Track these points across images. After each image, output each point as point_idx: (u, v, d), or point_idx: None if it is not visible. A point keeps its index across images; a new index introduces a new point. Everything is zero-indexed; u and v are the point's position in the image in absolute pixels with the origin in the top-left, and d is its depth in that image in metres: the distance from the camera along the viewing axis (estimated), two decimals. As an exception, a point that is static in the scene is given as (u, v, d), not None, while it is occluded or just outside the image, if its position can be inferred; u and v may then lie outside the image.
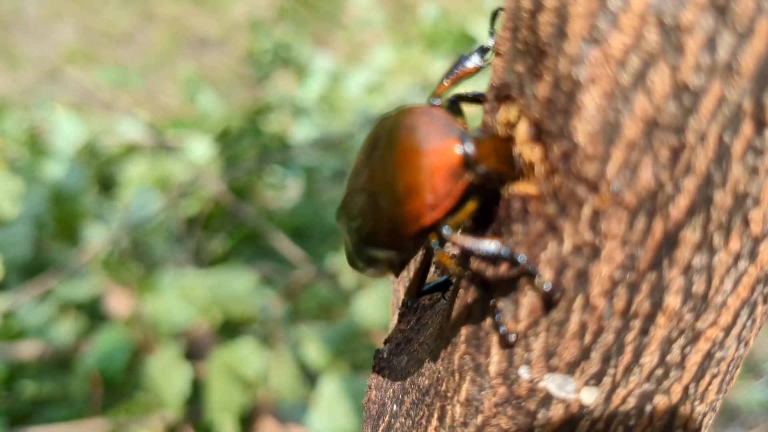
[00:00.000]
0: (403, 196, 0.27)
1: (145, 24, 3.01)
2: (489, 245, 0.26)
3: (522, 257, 0.26)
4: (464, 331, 0.30)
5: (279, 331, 1.68)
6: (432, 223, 0.27)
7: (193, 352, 1.70)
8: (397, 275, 0.32)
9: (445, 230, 0.27)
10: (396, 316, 0.47)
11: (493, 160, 0.26)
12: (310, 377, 1.68)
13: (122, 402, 1.77)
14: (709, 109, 0.22)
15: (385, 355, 0.40)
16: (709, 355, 0.27)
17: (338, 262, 1.75)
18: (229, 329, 1.76)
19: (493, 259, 0.26)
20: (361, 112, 2.58)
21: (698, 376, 0.28)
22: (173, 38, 3.02)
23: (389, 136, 0.27)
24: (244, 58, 2.99)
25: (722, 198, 0.24)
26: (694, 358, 0.27)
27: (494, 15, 0.30)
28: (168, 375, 1.59)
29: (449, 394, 0.32)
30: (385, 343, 0.41)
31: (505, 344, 0.28)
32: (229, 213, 2.23)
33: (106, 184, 2.49)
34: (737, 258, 0.25)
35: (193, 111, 2.77)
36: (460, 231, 0.28)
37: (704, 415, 0.29)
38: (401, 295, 0.47)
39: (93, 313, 1.88)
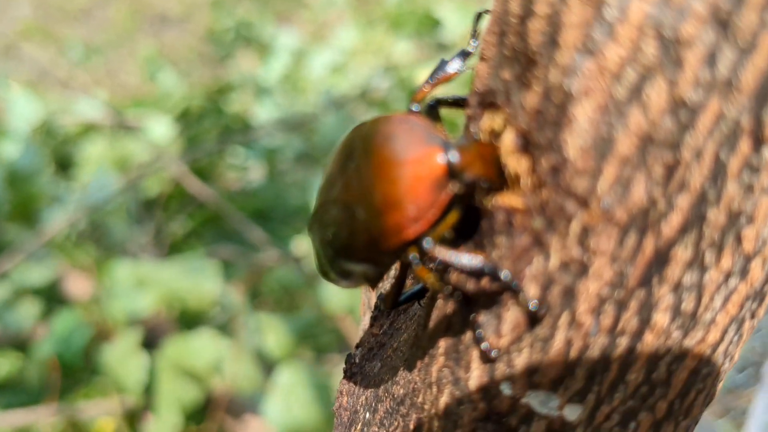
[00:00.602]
0: (382, 209, 0.25)
1: (103, 0, 2.94)
2: (472, 260, 0.25)
3: (506, 273, 0.25)
4: (443, 344, 0.29)
5: (239, 319, 1.66)
6: (414, 237, 0.25)
7: (153, 340, 1.67)
8: (373, 288, 0.31)
9: (426, 243, 0.26)
10: (366, 317, 0.45)
11: (479, 167, 0.24)
12: (269, 367, 1.67)
13: (80, 387, 1.74)
14: (707, 125, 0.21)
15: (357, 360, 0.39)
16: (695, 372, 0.27)
17: (302, 245, 1.73)
18: (189, 317, 1.73)
19: (476, 274, 0.25)
20: (324, 93, 2.55)
21: (683, 393, 0.27)
22: (132, 15, 2.94)
23: (366, 146, 0.26)
24: (205, 36, 2.93)
25: (716, 216, 0.23)
26: (681, 375, 0.26)
27: (478, 17, 0.29)
28: (125, 362, 1.57)
29: (426, 407, 0.31)
30: (357, 347, 0.40)
31: (487, 359, 0.27)
32: (190, 195, 2.20)
33: (64, 165, 2.43)
34: (728, 275, 0.24)
35: (153, 90, 2.72)
36: (440, 243, 0.27)
37: (687, 429, 0.29)
38: (372, 296, 0.46)
39: (50, 297, 1.84)
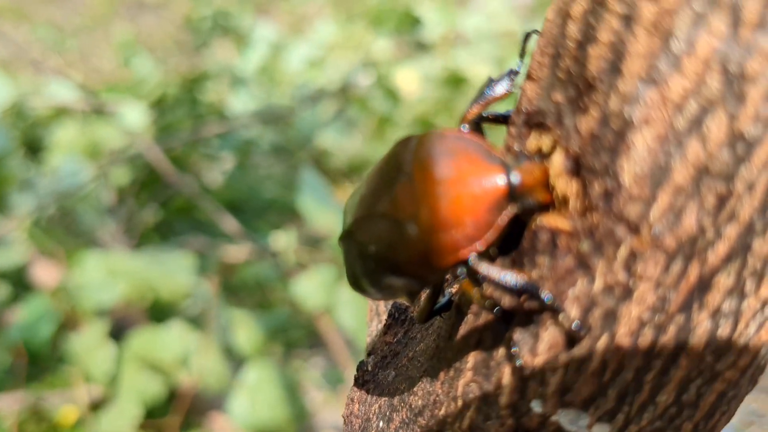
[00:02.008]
0: (438, 227, 0.25)
1: (79, -19, 2.89)
2: (515, 277, 0.25)
3: (548, 293, 0.25)
4: (472, 359, 0.29)
5: (210, 313, 1.64)
6: (468, 256, 0.26)
7: (122, 330, 1.65)
8: (412, 302, 0.31)
9: (471, 258, 0.26)
10: (374, 323, 0.45)
11: (539, 192, 0.25)
12: (237, 363, 1.65)
13: (46, 375, 1.72)
14: (762, 159, 0.21)
15: (369, 368, 0.39)
16: (722, 395, 0.27)
17: (279, 240, 1.72)
18: (160, 309, 1.71)
19: (518, 292, 0.26)
20: (301, 87, 2.54)
21: (709, 415, 0.28)
22: (109, -1, 2.90)
23: (420, 162, 0.26)
24: (182, 23, 2.90)
25: (761, 246, 0.23)
26: (709, 398, 0.27)
27: (527, 37, 0.29)
28: (93, 352, 1.54)
29: (449, 420, 0.31)
30: (369, 354, 0.40)
31: (520, 378, 0.27)
32: (163, 183, 2.17)
33: (33, 148, 2.39)
34: (765, 303, 0.25)
35: (127, 75, 2.67)
36: (482, 259, 0.27)
37: (707, 449, 0.29)
38: (381, 303, 0.46)
39: (18, 283, 1.80)
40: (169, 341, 1.52)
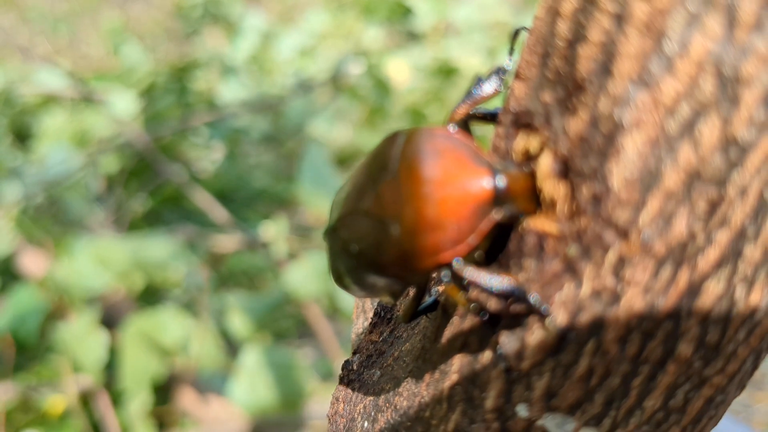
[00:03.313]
0: (421, 228, 0.25)
1: (67, -33, 2.86)
2: (501, 281, 0.25)
3: (535, 297, 0.25)
4: (457, 361, 0.29)
5: (202, 299, 1.64)
6: (450, 260, 0.25)
7: (112, 318, 1.64)
8: (395, 302, 0.30)
9: (455, 262, 0.25)
10: (360, 321, 0.45)
11: (524, 200, 0.24)
12: (232, 347, 1.65)
13: (34, 365, 1.71)
14: (755, 164, 0.21)
15: (354, 367, 0.38)
16: (710, 400, 0.27)
17: (269, 230, 1.71)
18: (150, 296, 1.70)
19: (504, 296, 0.25)
20: (292, 76, 2.52)
21: (696, 420, 0.27)
22: (98, -15, 2.87)
23: (405, 160, 0.25)
24: (172, 11, 2.87)
25: (752, 252, 0.23)
26: (697, 404, 0.26)
27: (516, 34, 0.28)
28: (83, 340, 1.54)
29: (434, 422, 0.30)
30: (354, 353, 0.39)
31: (506, 381, 0.27)
32: (152, 172, 2.16)
33: (21, 136, 2.37)
34: (755, 310, 0.24)
35: (116, 63, 2.65)
36: (468, 263, 0.26)
37: (694, 454, 0.29)
38: (368, 300, 0.45)
39: (5, 272, 1.79)
40: (169, 322, 1.51)
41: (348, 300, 1.47)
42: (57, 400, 1.57)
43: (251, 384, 1.47)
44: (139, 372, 1.50)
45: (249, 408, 1.46)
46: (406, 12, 2.85)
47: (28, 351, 1.68)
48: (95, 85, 2.40)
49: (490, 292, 0.25)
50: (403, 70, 2.34)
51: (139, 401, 1.47)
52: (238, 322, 1.60)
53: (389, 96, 2.27)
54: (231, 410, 1.53)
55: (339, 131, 2.41)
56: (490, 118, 0.28)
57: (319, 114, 2.36)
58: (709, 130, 0.21)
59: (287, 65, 2.64)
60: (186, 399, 1.60)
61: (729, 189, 0.21)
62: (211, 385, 1.65)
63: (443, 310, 0.30)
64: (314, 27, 2.83)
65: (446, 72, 2.36)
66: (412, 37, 2.77)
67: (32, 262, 1.78)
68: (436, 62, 2.41)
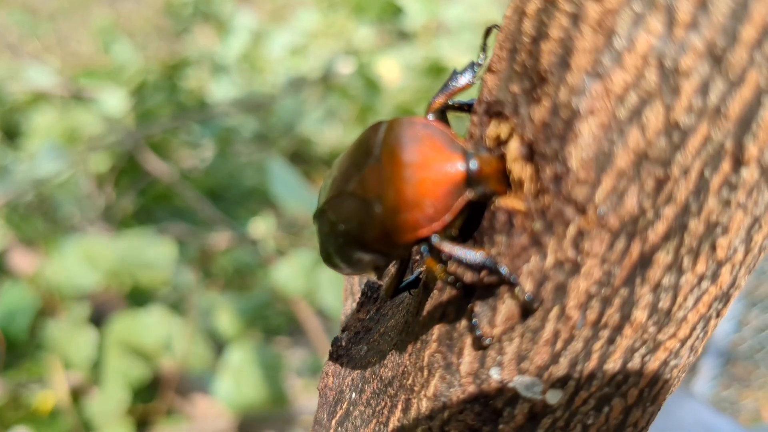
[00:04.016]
0: (401, 207, 0.27)
1: (57, -34, 2.87)
2: (475, 255, 0.28)
3: (505, 268, 0.27)
4: (436, 331, 0.31)
5: (191, 298, 1.65)
6: (428, 235, 0.28)
7: (102, 316, 1.66)
8: (379, 277, 0.33)
9: (434, 238, 0.28)
10: (348, 302, 0.48)
11: (494, 181, 0.27)
12: (219, 346, 1.67)
13: (24, 363, 1.72)
14: (695, 146, 0.24)
15: (343, 343, 0.41)
16: (665, 363, 0.30)
17: (259, 228, 1.73)
18: (139, 295, 1.72)
19: (477, 268, 0.28)
20: (283, 75, 2.54)
21: (653, 382, 0.30)
22: (88, -17, 2.88)
23: (387, 146, 0.28)
24: (162, 9, 2.88)
25: (696, 225, 0.25)
26: (652, 366, 0.29)
27: (488, 31, 0.31)
28: (72, 338, 1.55)
29: (416, 389, 0.33)
30: (343, 330, 0.42)
31: (479, 347, 0.29)
32: (142, 170, 2.17)
33: (11, 133, 2.37)
34: (701, 278, 0.27)
35: (106, 61, 2.66)
36: (445, 238, 0.29)
37: (652, 414, 0.32)
38: (355, 281, 0.48)
39: (-5, 270, 1.80)
40: (152, 325, 1.53)
41: (332, 297, 1.49)
42: (47, 397, 1.59)
43: (236, 382, 1.50)
44: (119, 372, 1.52)
45: (233, 405, 1.48)
46: (396, 11, 2.87)
47: (18, 348, 1.69)
48: (85, 83, 2.41)
49: (464, 264, 0.28)
50: (393, 69, 2.37)
51: (116, 402, 1.49)
52: (226, 321, 1.62)
53: (380, 95, 2.30)
54: (217, 408, 1.55)
55: (329, 130, 2.43)
56: (467, 108, 0.31)
57: (310, 113, 2.38)
58: (654, 116, 0.23)
59: (278, 64, 2.66)
60: (172, 397, 1.61)
61: (673, 168, 0.24)
62: (199, 383, 1.67)
63: (424, 286, 0.33)
64: (305, 26, 2.85)
65: (436, 71, 2.38)
66: (403, 37, 2.79)
67: (22, 260, 1.80)
68: (426, 61, 2.43)
